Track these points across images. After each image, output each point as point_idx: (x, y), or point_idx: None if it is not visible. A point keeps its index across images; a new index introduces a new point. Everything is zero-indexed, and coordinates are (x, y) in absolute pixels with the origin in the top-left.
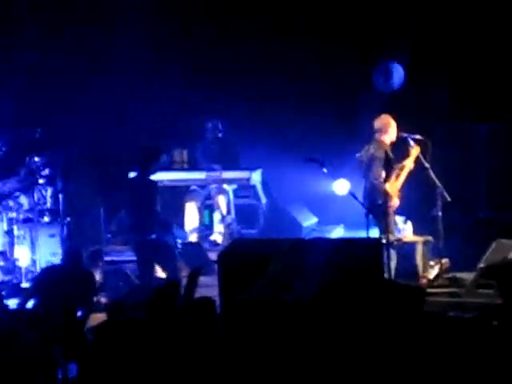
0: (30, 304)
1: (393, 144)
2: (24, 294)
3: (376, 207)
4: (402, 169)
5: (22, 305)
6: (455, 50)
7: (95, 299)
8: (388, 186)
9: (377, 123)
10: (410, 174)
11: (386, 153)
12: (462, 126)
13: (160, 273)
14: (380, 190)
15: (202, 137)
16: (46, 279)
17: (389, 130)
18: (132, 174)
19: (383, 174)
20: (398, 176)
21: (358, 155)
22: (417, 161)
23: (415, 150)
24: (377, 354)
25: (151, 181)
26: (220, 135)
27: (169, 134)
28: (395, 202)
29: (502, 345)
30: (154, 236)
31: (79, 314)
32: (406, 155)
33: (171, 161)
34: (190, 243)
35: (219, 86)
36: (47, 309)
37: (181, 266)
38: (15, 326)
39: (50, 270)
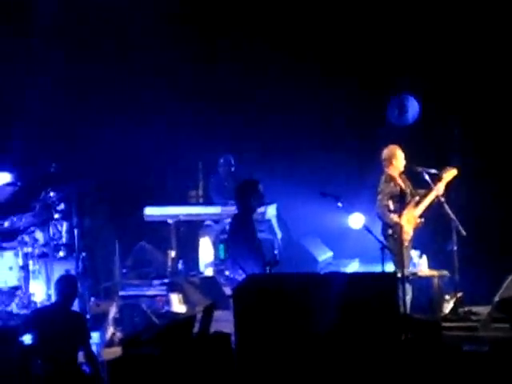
0: (26, 338)
1: (403, 174)
2: (19, 330)
3: (390, 240)
4: (426, 195)
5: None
6: (468, 84)
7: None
8: (400, 218)
9: (382, 155)
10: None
11: (400, 186)
12: (475, 160)
13: (176, 307)
14: (388, 221)
15: (216, 172)
16: (37, 320)
17: (393, 161)
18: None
19: (391, 206)
20: (417, 203)
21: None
22: (448, 186)
23: (450, 174)
24: None
25: (250, 217)
26: (233, 170)
27: (183, 170)
28: (407, 234)
29: None
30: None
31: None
32: (423, 187)
33: (187, 195)
34: (205, 277)
35: (235, 121)
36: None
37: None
38: (29, 360)
39: (41, 311)
